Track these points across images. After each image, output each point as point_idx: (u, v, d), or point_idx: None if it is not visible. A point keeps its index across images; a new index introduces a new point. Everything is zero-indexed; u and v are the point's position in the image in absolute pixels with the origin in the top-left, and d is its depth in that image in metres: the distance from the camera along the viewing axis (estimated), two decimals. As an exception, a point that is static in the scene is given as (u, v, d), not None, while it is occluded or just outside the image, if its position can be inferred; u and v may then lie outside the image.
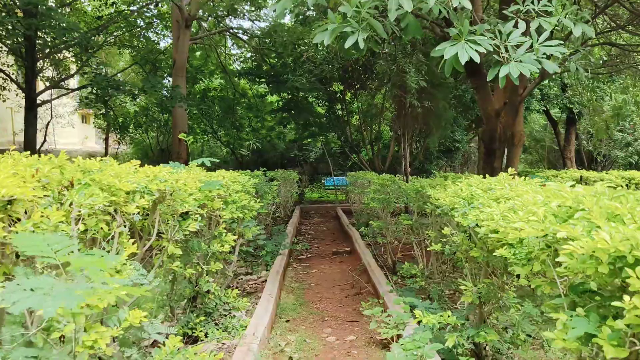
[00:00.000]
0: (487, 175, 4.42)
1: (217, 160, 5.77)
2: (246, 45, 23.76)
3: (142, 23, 20.05)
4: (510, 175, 3.97)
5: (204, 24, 22.03)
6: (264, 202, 8.90)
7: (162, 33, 22.44)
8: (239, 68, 22.28)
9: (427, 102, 14.63)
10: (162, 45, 25.07)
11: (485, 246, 3.44)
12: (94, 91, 15.71)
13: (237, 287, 7.34)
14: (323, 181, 25.30)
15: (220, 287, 5.39)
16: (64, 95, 20.69)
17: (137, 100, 18.46)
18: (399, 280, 7.68)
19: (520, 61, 4.45)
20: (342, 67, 16.50)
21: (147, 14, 19.76)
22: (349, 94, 21.18)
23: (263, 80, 20.20)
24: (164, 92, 14.84)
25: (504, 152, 10.36)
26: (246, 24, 34.83)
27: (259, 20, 21.33)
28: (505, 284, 3.89)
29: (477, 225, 3.24)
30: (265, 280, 7.09)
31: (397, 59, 14.14)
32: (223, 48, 25.77)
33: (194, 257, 4.70)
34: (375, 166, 19.73)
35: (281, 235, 9.27)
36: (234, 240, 5.29)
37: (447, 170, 23.51)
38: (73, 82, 21.49)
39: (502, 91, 10.16)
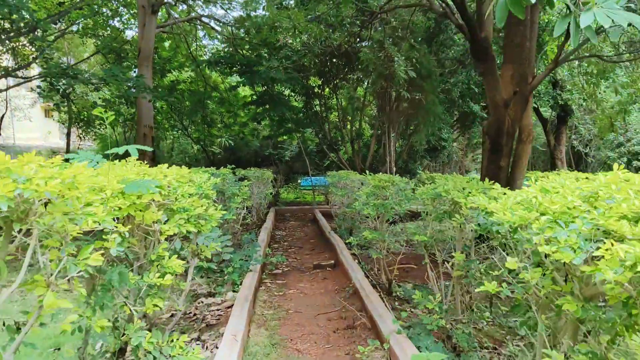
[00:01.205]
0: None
1: (150, 149, 4.19)
2: (218, 36, 22.23)
3: (107, 12, 18.37)
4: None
5: (174, 13, 20.42)
6: (232, 207, 7.35)
7: (130, 23, 20.71)
8: (211, 60, 20.56)
9: (417, 93, 13.19)
10: (130, 35, 23.36)
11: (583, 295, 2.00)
12: (48, 81, 14.01)
13: (194, 316, 5.79)
14: (299, 181, 23.77)
15: (163, 330, 3.84)
16: (17, 85, 18.84)
17: (101, 92, 16.82)
18: (398, 305, 6.22)
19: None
20: (323, 54, 14.96)
21: (114, 2, 18.10)
22: (328, 89, 19.80)
23: (235, 70, 18.55)
24: (127, 82, 13.17)
25: (512, 149, 8.97)
26: (219, 12, 33.11)
27: (232, 10, 19.86)
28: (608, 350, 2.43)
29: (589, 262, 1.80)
30: (232, 306, 5.56)
31: (385, 46, 12.67)
32: (194, 38, 24.11)
33: (117, 294, 3.14)
34: (356, 165, 18.30)
35: (252, 246, 7.71)
36: (185, 264, 3.75)
37: (432, 170, 22.23)
38: (34, 74, 19.67)
39: (510, 79, 8.77)
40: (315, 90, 19.80)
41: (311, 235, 11.95)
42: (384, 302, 5.67)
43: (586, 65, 12.79)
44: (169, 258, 3.52)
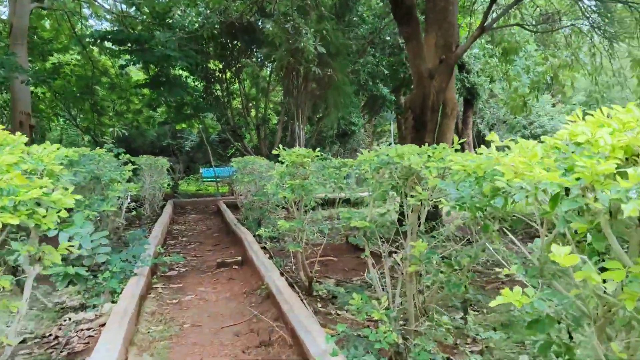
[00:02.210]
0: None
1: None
2: (107, 16, 20.09)
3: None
4: None
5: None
6: (110, 196, 5.88)
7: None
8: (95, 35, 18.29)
9: (327, 69, 12.14)
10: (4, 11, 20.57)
11: None
12: None
13: (55, 340, 4.33)
14: (201, 172, 22.14)
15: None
16: None
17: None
18: (321, 306, 5.10)
19: None
20: (222, 32, 13.56)
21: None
22: (230, 73, 18.39)
23: (125, 49, 16.57)
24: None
25: (436, 125, 8.12)
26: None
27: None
28: None
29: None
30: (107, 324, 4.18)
31: (292, 18, 11.49)
32: (80, 18, 21.64)
33: None
34: (262, 153, 17.04)
35: (140, 244, 6.25)
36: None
37: (342, 158, 21.44)
38: None
39: (434, 47, 7.88)
40: (217, 75, 18.30)
41: (214, 229, 10.58)
42: (306, 306, 4.52)
43: (498, 41, 12.37)
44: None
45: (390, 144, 19.71)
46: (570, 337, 1.86)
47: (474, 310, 5.27)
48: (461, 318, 3.60)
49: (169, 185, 16.57)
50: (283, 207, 8.95)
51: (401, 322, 3.33)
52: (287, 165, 5.13)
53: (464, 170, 2.15)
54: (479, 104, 20.56)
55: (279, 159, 4.97)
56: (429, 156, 2.87)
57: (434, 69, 7.49)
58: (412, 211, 2.98)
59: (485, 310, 5.23)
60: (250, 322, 4.58)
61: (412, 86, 9.15)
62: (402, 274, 3.16)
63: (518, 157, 1.70)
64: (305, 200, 4.94)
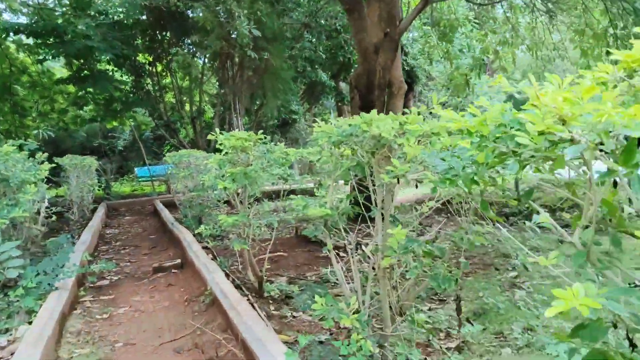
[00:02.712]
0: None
1: None
2: (23, 10, 18.60)
3: None
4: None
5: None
6: (21, 200, 5.08)
7: None
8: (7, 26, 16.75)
9: (264, 54, 11.49)
10: None
11: None
12: None
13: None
14: (136, 172, 21.00)
15: None
16: None
17: None
18: (274, 309, 4.53)
19: None
20: (151, 14, 12.65)
21: None
22: (161, 66, 17.40)
23: (43, 42, 15.28)
24: None
25: (384, 104, 7.67)
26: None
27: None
28: None
29: None
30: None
31: (224, 0, 10.76)
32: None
33: None
34: (199, 147, 16.15)
35: (62, 253, 5.45)
36: None
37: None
38: None
39: (378, 20, 7.40)
40: (147, 68, 17.25)
41: (151, 231, 9.77)
42: (257, 310, 3.93)
43: (437, 21, 12.08)
44: None
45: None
46: (632, 345, 1.37)
47: (440, 300, 4.84)
48: (457, 324, 3.05)
49: (100, 186, 15.50)
50: (225, 202, 8.30)
51: (374, 325, 2.81)
52: (226, 153, 4.49)
53: (461, 130, 1.63)
54: (419, 87, 20.38)
55: (217, 145, 4.33)
56: (400, 124, 2.34)
57: (379, 43, 7.02)
58: (385, 191, 2.45)
59: (451, 300, 4.82)
60: (194, 335, 3.94)
61: (356, 65, 8.65)
62: (374, 268, 2.62)
63: (560, 93, 1.18)
64: (250, 190, 4.32)
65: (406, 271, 2.53)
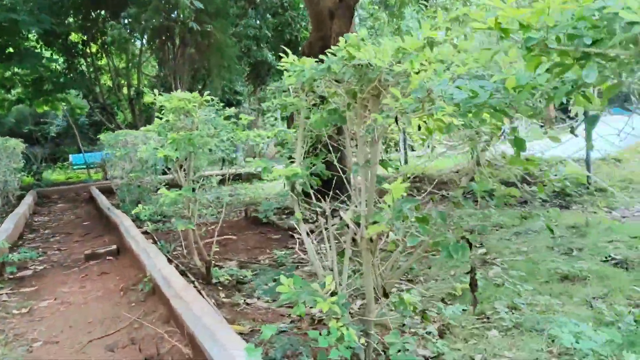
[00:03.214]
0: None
1: None
2: None
3: None
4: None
5: None
6: None
7: None
8: None
9: (208, 26, 10.77)
10: None
11: None
12: None
13: None
14: (70, 160, 19.75)
15: None
16: None
17: None
18: (225, 297, 3.99)
19: None
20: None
21: None
22: (96, 46, 16.25)
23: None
24: None
25: (339, 77, 7.15)
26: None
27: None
28: None
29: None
30: None
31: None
32: None
33: None
34: (139, 129, 15.23)
35: (-26, 240, 4.70)
36: None
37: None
38: None
39: (331, -15, 6.91)
40: (80, 48, 16.06)
41: (85, 217, 8.95)
42: (206, 299, 3.38)
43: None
44: None
45: (277, 118, 18.54)
46: None
47: (409, 280, 4.42)
48: (471, 305, 2.54)
49: (29, 173, 14.35)
50: (166, 184, 7.64)
51: (353, 307, 2.32)
52: (167, 121, 3.87)
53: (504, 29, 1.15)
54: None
55: (157, 106, 3.70)
56: (402, 51, 1.86)
57: (334, 7, 6.50)
58: (370, 145, 1.94)
59: (422, 279, 4.41)
60: (130, 329, 3.33)
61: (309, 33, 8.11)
62: (354, 240, 2.12)
63: None
64: (196, 160, 3.73)
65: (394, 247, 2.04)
